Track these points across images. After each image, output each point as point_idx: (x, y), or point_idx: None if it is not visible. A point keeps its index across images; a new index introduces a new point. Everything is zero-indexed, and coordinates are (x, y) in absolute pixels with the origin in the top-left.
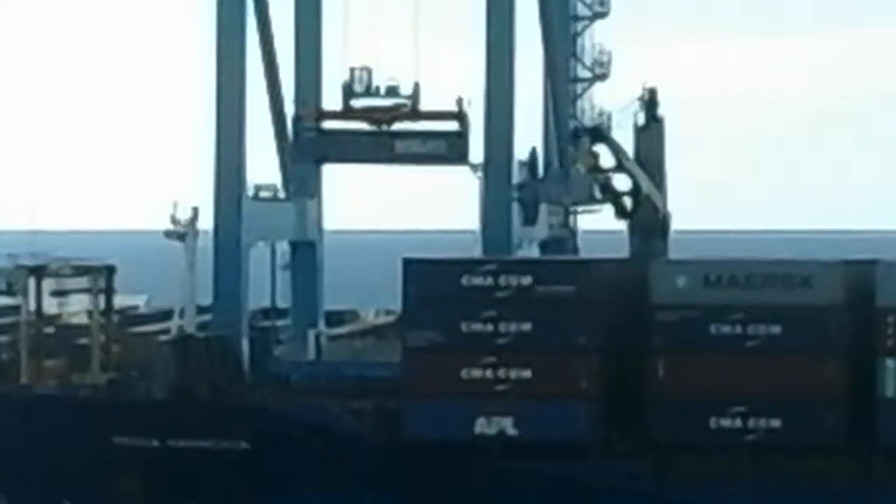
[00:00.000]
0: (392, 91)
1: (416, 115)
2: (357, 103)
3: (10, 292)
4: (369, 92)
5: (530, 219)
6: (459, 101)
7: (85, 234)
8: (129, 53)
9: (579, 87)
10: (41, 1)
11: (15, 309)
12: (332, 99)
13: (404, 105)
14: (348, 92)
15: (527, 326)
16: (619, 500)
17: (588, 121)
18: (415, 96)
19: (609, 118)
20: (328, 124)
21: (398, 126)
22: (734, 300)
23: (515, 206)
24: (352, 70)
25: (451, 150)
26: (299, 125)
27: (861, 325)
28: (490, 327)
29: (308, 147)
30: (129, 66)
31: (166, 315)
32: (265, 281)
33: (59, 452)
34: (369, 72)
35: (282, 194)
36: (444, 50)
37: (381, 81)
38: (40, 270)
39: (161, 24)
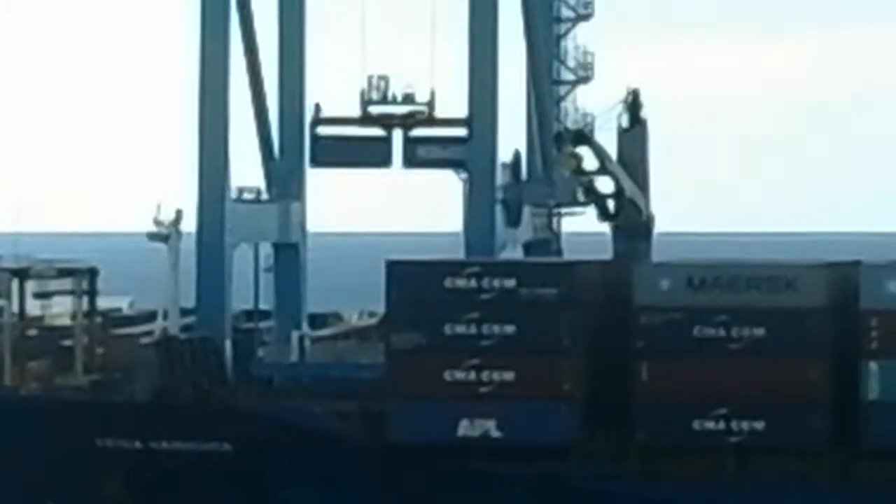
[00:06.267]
0: (408, 98)
1: (432, 121)
2: (374, 110)
3: None
4: (386, 99)
5: (514, 221)
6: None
7: (68, 236)
8: (112, 54)
9: (563, 90)
10: (24, 3)
11: None
12: (349, 106)
13: (421, 112)
14: (366, 99)
15: (510, 329)
16: (602, 502)
17: (571, 123)
18: (431, 103)
19: (592, 120)
20: (346, 130)
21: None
22: (718, 302)
23: (499, 209)
24: (369, 78)
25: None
26: (315, 130)
27: (844, 327)
28: (473, 329)
29: (326, 152)
30: (112, 67)
31: (150, 317)
32: (248, 283)
33: (42, 454)
34: (386, 80)
35: (265, 196)
36: (460, 55)
37: (397, 89)
38: (23, 272)
39: (145, 25)
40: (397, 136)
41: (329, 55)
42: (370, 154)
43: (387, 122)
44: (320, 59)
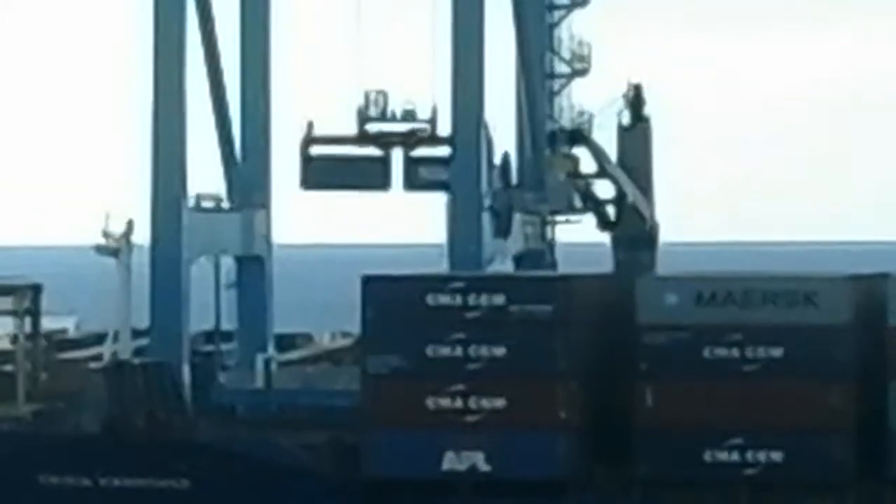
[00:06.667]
0: (409, 115)
1: (434, 140)
2: (372, 128)
3: None
4: (385, 116)
5: (503, 230)
6: (486, 127)
7: (8, 250)
8: (53, 52)
9: (557, 84)
10: None
11: None
12: (345, 124)
13: (423, 130)
14: (363, 116)
15: (500, 350)
16: None
17: (567, 121)
18: (433, 120)
19: (590, 118)
20: (341, 150)
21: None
22: (730, 320)
23: (486, 217)
24: (366, 93)
25: None
26: (307, 150)
27: (871, 346)
28: (459, 351)
29: (319, 173)
30: (53, 64)
31: (98, 339)
32: (208, 301)
33: None
34: (385, 95)
35: (226, 204)
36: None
37: (397, 105)
38: None
39: (88, 19)
40: (397, 155)
41: (323, 69)
42: (367, 176)
43: (385, 140)
44: (314, 74)
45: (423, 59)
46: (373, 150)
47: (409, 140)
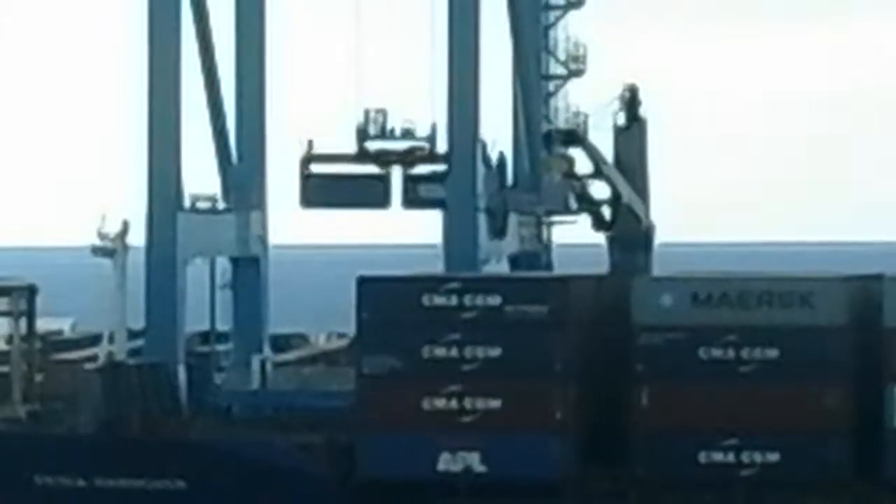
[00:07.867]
0: (408, 133)
1: (433, 157)
2: (371, 146)
3: None
4: (384, 134)
5: (498, 231)
6: (484, 146)
7: (3, 251)
8: (49, 53)
9: (552, 85)
10: None
11: None
12: (345, 142)
13: (421, 148)
14: (363, 134)
15: (495, 351)
16: None
17: (562, 122)
18: (432, 138)
19: (585, 119)
20: (340, 168)
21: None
22: (726, 321)
23: (482, 217)
24: (366, 112)
25: None
26: (307, 169)
27: (867, 347)
28: (454, 352)
29: (318, 192)
30: (49, 66)
31: (94, 340)
32: (204, 301)
33: None
34: (384, 114)
35: (222, 205)
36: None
37: (396, 123)
38: None
39: (85, 20)
40: (396, 173)
41: (323, 87)
42: (366, 194)
43: (385, 158)
44: (314, 92)
45: (422, 76)
46: (372, 168)
47: (408, 158)
